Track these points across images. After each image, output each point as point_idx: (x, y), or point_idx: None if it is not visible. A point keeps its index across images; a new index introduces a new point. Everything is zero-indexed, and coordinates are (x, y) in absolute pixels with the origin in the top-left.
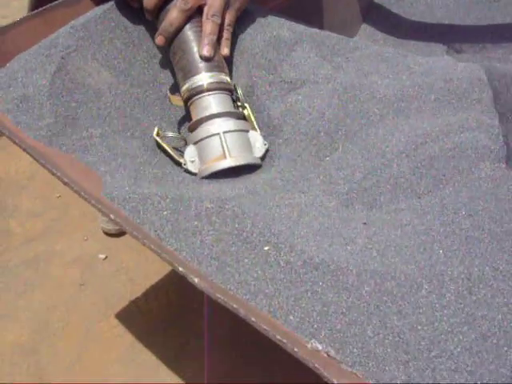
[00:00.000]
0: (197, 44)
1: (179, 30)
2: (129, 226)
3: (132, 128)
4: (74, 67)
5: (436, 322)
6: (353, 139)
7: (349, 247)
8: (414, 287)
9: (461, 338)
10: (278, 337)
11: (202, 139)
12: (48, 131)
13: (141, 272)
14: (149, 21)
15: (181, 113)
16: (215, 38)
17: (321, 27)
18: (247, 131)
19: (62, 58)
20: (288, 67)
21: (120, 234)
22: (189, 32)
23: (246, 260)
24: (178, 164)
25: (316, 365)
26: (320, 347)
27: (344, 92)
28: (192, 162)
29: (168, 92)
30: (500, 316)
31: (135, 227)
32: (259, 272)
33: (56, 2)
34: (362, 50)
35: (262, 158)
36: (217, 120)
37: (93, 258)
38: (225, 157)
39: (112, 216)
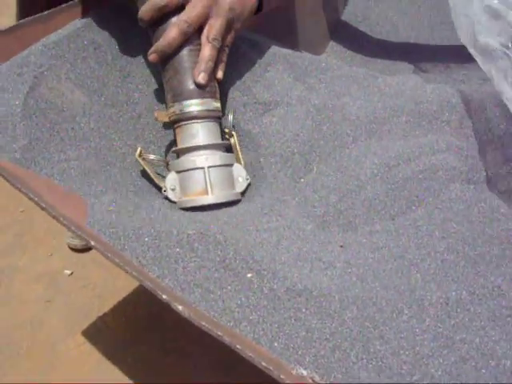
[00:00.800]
0: (191, 66)
1: (175, 51)
2: (110, 253)
3: (107, 149)
4: (47, 87)
5: (417, 347)
6: (327, 161)
7: (328, 272)
8: (395, 312)
9: (441, 361)
10: (264, 364)
11: (185, 170)
12: (23, 153)
13: (108, 287)
14: (121, 39)
15: (155, 133)
16: (213, 64)
17: (291, 46)
18: (231, 165)
19: (35, 77)
20: (262, 88)
21: (86, 249)
22: (184, 51)
23: (230, 287)
24: (158, 188)
25: None
26: (305, 373)
27: (317, 113)
28: (172, 190)
29: (155, 109)
30: (478, 339)
31: (116, 254)
32: (243, 299)
33: (28, 18)
34: (334, 71)
35: (243, 192)
36: (202, 152)
37: (58, 273)
38: (207, 193)
39: (93, 243)
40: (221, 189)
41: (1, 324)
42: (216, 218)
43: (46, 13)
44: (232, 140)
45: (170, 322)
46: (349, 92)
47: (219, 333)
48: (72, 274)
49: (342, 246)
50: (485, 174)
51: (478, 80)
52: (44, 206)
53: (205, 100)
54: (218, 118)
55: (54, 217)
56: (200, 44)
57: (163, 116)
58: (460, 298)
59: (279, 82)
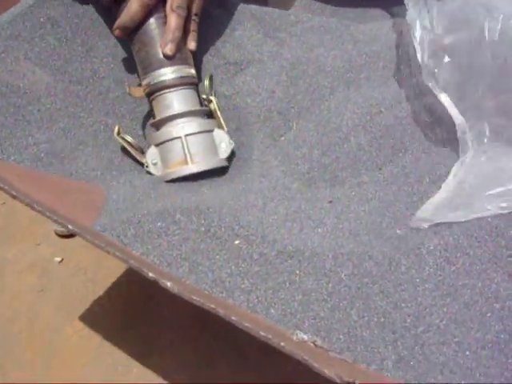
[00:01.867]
0: (158, 36)
1: (139, 24)
2: (88, 234)
3: (77, 128)
4: (6, 69)
5: (419, 297)
6: (306, 116)
7: (320, 229)
8: (392, 264)
9: (445, 310)
10: (262, 333)
11: (163, 142)
12: None
13: (100, 270)
14: (79, 11)
15: (126, 106)
16: (180, 33)
17: (258, 3)
18: (211, 131)
19: None
20: (231, 48)
21: (73, 234)
22: (149, 22)
23: (218, 256)
24: (140, 164)
25: (304, 356)
26: (306, 337)
27: (292, 68)
28: (154, 164)
29: (126, 85)
30: (480, 283)
31: (95, 234)
32: (233, 267)
33: None
34: (304, 23)
35: (229, 158)
36: (179, 121)
37: (48, 262)
38: (186, 162)
39: (70, 226)
40: (202, 156)
41: None
42: (198, 188)
43: None
44: (212, 106)
45: (166, 297)
46: (322, 43)
47: (212, 305)
48: (62, 260)
49: (330, 202)
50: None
51: None
52: (15, 193)
53: (176, 67)
54: (193, 84)
55: (27, 204)
56: (164, 12)
57: (137, 91)
58: (458, 242)
59: (249, 40)
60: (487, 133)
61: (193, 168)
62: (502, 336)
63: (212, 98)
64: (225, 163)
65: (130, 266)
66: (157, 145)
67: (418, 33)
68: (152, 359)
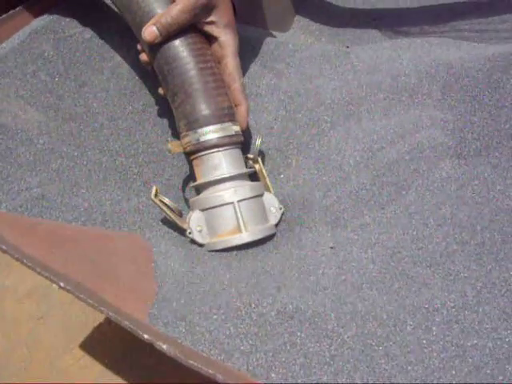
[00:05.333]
0: (204, 87)
1: (181, 29)
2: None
3: (70, 169)
4: None
5: (426, 360)
6: (305, 152)
7: (321, 283)
8: (398, 325)
9: (454, 372)
10: None
11: (212, 207)
12: None
13: None
14: (71, 46)
15: (120, 143)
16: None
17: (254, 24)
18: (262, 195)
19: None
20: None
21: None
22: (194, 71)
23: (215, 317)
24: (179, 229)
25: None
26: None
27: (290, 102)
28: (199, 231)
29: (168, 141)
30: (490, 343)
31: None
32: (231, 328)
33: None
34: (302, 52)
35: (277, 224)
36: (229, 185)
37: (48, 288)
38: (240, 231)
39: (61, 284)
40: (255, 224)
41: None
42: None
43: None
44: (257, 166)
45: None
46: (321, 73)
47: (210, 371)
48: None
49: (332, 248)
50: (474, 146)
51: (456, 42)
52: (5, 248)
53: (224, 125)
54: (240, 143)
55: (17, 259)
56: (209, 62)
57: (177, 147)
58: (466, 300)
59: (245, 72)
60: None
61: (247, 237)
62: None
63: (259, 158)
64: (275, 230)
65: (124, 327)
66: (203, 209)
67: None
68: None
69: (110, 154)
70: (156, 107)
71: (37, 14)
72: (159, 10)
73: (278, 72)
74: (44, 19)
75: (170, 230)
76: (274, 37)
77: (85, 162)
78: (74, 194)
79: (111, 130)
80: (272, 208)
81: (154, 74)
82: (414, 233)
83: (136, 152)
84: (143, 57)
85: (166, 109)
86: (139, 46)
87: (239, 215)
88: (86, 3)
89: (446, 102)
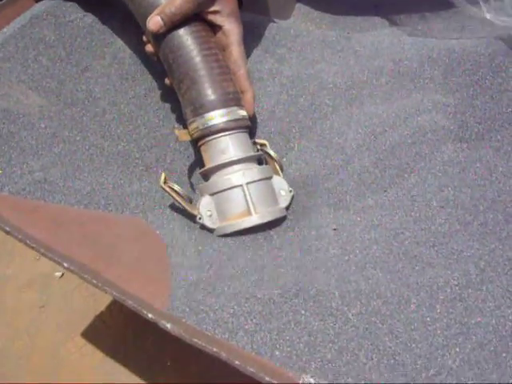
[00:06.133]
0: (209, 73)
1: (185, 19)
2: (85, 273)
3: (72, 154)
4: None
5: (430, 337)
6: (308, 135)
7: (324, 263)
8: (401, 303)
9: (457, 350)
10: (267, 378)
11: (221, 191)
12: None
13: None
14: (72, 31)
15: (123, 128)
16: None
17: (255, 12)
18: (271, 178)
19: None
20: None
21: None
22: (198, 57)
23: (220, 296)
24: (190, 215)
25: None
26: (312, 381)
27: (292, 86)
28: (209, 216)
29: (175, 128)
30: (494, 321)
31: (90, 273)
32: (235, 307)
33: None
34: (304, 38)
35: (287, 207)
36: (238, 168)
37: (48, 277)
38: (250, 213)
39: (65, 264)
40: (265, 206)
41: None
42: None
43: None
44: (267, 150)
45: None
46: (322, 58)
47: (215, 349)
48: (63, 275)
49: (335, 229)
50: (476, 130)
51: (457, 29)
52: (8, 229)
53: (230, 109)
54: (246, 127)
55: (20, 240)
56: (213, 49)
57: (184, 135)
58: (470, 278)
59: (247, 57)
60: None
61: (257, 220)
62: None
63: (266, 141)
64: (285, 213)
65: (128, 306)
66: (212, 194)
67: None
68: (155, 374)
69: (112, 139)
70: (158, 92)
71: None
72: (163, 0)
73: (279, 57)
74: (45, 4)
75: (173, 213)
76: (276, 23)
77: (87, 147)
78: (76, 177)
79: (113, 114)
80: (282, 191)
81: (159, 65)
82: (417, 214)
83: (138, 137)
84: (149, 48)
85: (168, 94)
86: (145, 38)
87: (248, 197)
88: None
89: (448, 85)
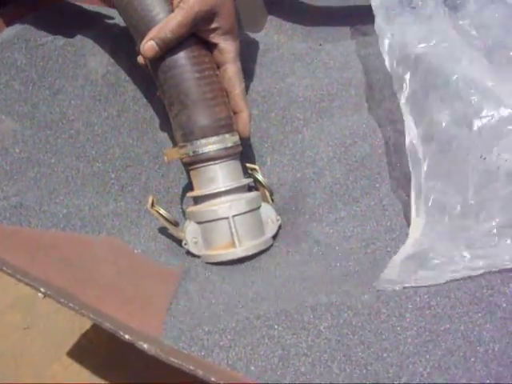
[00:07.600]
0: (201, 97)
1: (179, 41)
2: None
3: (48, 177)
4: None
5: (401, 346)
6: (280, 149)
7: (298, 276)
8: (372, 314)
9: (428, 357)
10: None
11: (207, 221)
12: None
13: None
14: (44, 53)
15: (97, 149)
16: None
17: None
18: (259, 208)
19: None
20: None
21: None
22: (191, 81)
23: (195, 315)
24: (177, 240)
25: None
26: None
27: (263, 101)
28: (195, 243)
29: (163, 150)
30: (462, 327)
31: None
32: (210, 325)
33: None
34: (274, 52)
35: (274, 236)
36: (225, 199)
37: (32, 298)
38: (234, 246)
39: (42, 289)
40: (250, 239)
41: None
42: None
43: None
44: (257, 176)
45: None
46: (293, 72)
47: (191, 367)
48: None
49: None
50: None
51: None
52: None
53: (221, 137)
54: (238, 154)
55: None
56: (207, 70)
57: (174, 153)
58: (438, 287)
59: None
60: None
61: (241, 253)
62: (488, 381)
63: (256, 166)
64: (271, 242)
65: (105, 328)
66: (199, 222)
67: (386, 41)
68: None
69: (87, 160)
70: (131, 112)
71: (7, 24)
72: (154, 14)
73: (250, 72)
74: (15, 28)
75: (149, 232)
76: (246, 37)
77: (62, 169)
78: (52, 201)
79: (87, 136)
80: (269, 220)
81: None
82: (388, 224)
83: (112, 157)
84: (140, 60)
85: (141, 113)
86: (137, 48)
87: (233, 230)
88: (58, 12)
89: None
